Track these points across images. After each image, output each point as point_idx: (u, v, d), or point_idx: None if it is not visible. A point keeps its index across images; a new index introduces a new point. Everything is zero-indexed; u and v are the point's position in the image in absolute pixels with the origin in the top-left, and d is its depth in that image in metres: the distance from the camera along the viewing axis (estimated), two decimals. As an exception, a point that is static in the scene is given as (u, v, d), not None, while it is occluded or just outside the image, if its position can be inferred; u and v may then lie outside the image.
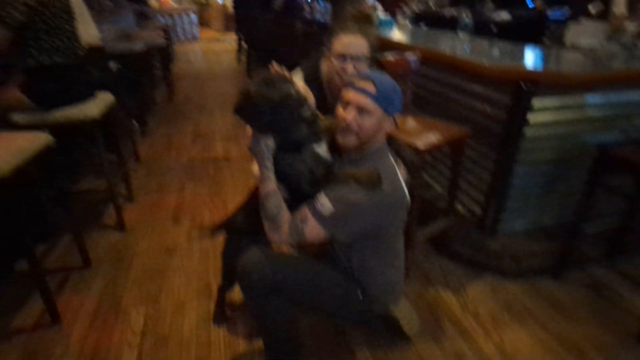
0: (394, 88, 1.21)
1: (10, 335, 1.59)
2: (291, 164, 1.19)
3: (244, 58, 6.86)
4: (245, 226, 1.41)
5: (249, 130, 1.18)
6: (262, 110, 1.09)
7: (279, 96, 1.09)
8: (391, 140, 1.34)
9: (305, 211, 1.15)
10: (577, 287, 1.85)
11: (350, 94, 1.19)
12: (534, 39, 2.73)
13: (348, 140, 1.21)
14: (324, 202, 1.13)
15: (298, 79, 1.53)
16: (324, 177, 1.19)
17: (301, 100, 1.15)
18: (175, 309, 1.73)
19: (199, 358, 1.50)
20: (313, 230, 1.14)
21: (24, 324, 1.65)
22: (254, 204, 1.36)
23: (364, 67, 1.43)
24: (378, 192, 1.14)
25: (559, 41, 2.93)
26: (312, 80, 1.53)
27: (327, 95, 1.54)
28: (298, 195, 1.20)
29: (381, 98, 1.16)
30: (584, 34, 2.41)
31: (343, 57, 1.42)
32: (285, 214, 1.16)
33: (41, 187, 1.89)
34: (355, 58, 1.41)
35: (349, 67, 1.41)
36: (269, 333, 1.34)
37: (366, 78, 1.18)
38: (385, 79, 1.21)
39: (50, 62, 1.78)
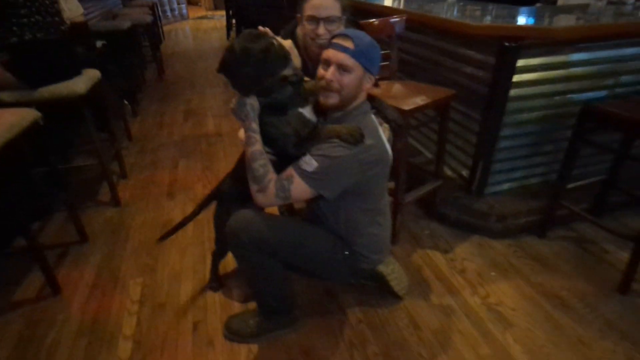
0: (373, 44, 1.22)
1: (14, 306, 1.65)
2: (277, 126, 1.21)
3: (233, 34, 6.74)
4: (234, 192, 1.44)
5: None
6: (245, 64, 1.09)
7: (261, 48, 1.09)
8: (374, 100, 1.36)
9: (290, 170, 1.18)
10: (561, 244, 1.90)
11: (329, 53, 1.20)
12: (527, 2, 2.69)
13: (330, 99, 1.22)
14: (309, 160, 1.16)
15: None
16: (309, 138, 1.21)
17: (286, 57, 1.16)
18: (172, 278, 1.78)
19: (196, 321, 1.56)
20: (298, 187, 1.17)
21: (26, 296, 1.70)
22: (241, 170, 1.39)
23: (337, 29, 1.43)
24: (360, 147, 1.17)
25: (552, 3, 2.90)
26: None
27: (306, 61, 1.54)
28: (284, 157, 1.23)
29: (360, 54, 1.18)
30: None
31: (314, 19, 1.41)
32: (271, 175, 1.18)
33: (33, 164, 1.91)
34: (326, 20, 1.41)
35: (321, 30, 1.41)
36: (261, 291, 1.40)
37: (344, 35, 1.19)
38: (364, 35, 1.22)
39: (31, 38, 1.76)
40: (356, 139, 1.16)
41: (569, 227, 2.00)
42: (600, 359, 1.36)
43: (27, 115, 1.62)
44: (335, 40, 1.20)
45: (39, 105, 1.91)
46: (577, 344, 1.41)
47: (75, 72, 2.07)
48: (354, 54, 1.17)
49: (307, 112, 1.24)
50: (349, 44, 1.18)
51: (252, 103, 1.16)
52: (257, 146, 1.18)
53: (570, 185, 1.85)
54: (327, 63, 1.21)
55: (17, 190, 1.78)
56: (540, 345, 1.41)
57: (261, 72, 1.11)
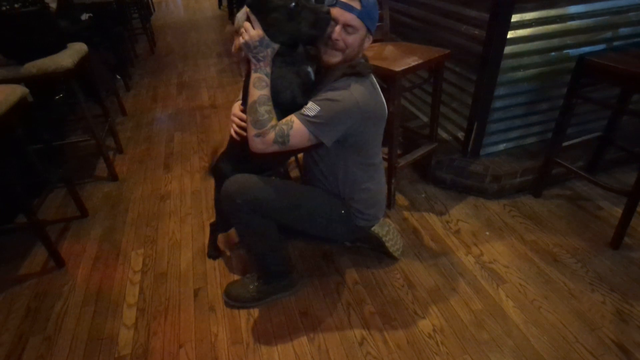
0: (375, 3, 1.22)
1: (21, 280, 1.70)
2: (286, 78, 1.20)
3: (225, 2, 6.52)
4: (230, 171, 1.45)
5: (249, 28, 1.13)
6: (293, 12, 1.11)
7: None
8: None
9: (291, 116, 1.18)
10: (556, 202, 1.91)
11: (336, 11, 1.18)
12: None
13: (333, 58, 1.23)
14: (310, 105, 1.17)
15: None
16: (310, 92, 1.23)
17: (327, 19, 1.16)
18: (172, 248, 1.82)
19: (197, 288, 1.61)
20: (298, 132, 1.16)
21: (31, 270, 1.75)
22: (235, 149, 1.39)
23: None
24: (362, 94, 1.18)
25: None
26: None
27: None
28: (287, 110, 1.22)
29: (366, 14, 1.18)
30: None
31: None
32: (274, 122, 1.17)
33: (27, 141, 1.91)
34: None
35: None
36: (259, 254, 1.43)
37: None
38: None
39: (9, 9, 1.72)
40: (369, 68, 1.21)
41: (565, 186, 2.00)
42: (589, 311, 1.40)
43: (13, 92, 1.60)
44: None
45: (27, 81, 1.90)
46: (567, 297, 1.45)
47: (60, 45, 2.03)
48: (360, 15, 1.17)
49: (311, 69, 1.27)
50: (356, 4, 1.17)
51: (274, 46, 1.15)
52: (267, 91, 1.17)
53: (566, 143, 1.84)
54: (335, 21, 1.19)
55: (13, 168, 1.79)
56: (531, 300, 1.45)
57: (297, 27, 1.13)
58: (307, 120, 1.16)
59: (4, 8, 1.71)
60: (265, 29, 1.12)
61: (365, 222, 1.45)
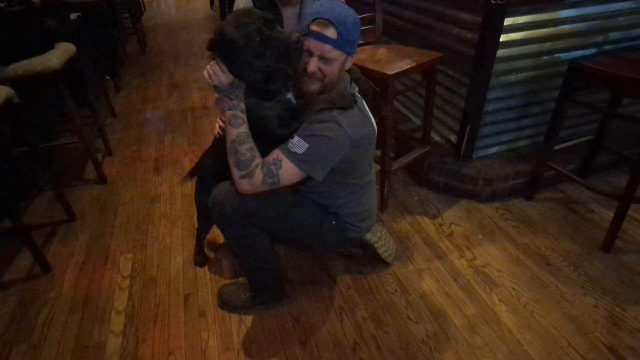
0: (355, 24, 1.14)
1: (5, 286, 1.65)
2: (259, 110, 1.15)
3: (217, 2, 6.48)
4: (213, 169, 1.42)
5: (218, 72, 1.07)
6: (254, 53, 1.04)
7: (272, 37, 1.04)
8: (350, 71, 1.31)
9: (277, 153, 1.12)
10: (548, 205, 1.92)
11: (311, 43, 1.11)
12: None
13: (312, 86, 1.17)
14: (297, 142, 1.10)
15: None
16: (295, 118, 1.17)
17: (290, 50, 1.07)
18: (162, 253, 1.79)
19: (187, 294, 1.58)
20: (287, 171, 1.11)
21: (16, 276, 1.70)
22: (219, 147, 1.36)
23: None
24: (349, 123, 1.13)
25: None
26: None
27: (276, 3, 1.55)
28: (265, 141, 1.16)
29: (343, 42, 1.11)
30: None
31: None
32: (258, 159, 1.11)
33: (12, 143, 1.86)
34: None
35: None
36: (250, 267, 1.40)
37: (327, 22, 1.09)
38: (347, 15, 1.12)
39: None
40: (351, 101, 1.14)
41: (557, 189, 2.01)
42: (582, 314, 1.40)
43: (0, 93, 1.56)
44: (315, 28, 1.11)
45: (13, 82, 1.85)
46: (560, 301, 1.45)
47: (48, 46, 1.98)
48: (337, 44, 1.10)
49: (291, 95, 1.20)
50: (331, 33, 1.09)
51: (241, 83, 1.10)
52: (244, 128, 1.11)
53: (557, 147, 1.85)
54: (309, 53, 1.12)
55: (-2, 170, 1.75)
56: (524, 304, 1.45)
57: (267, 63, 1.05)
58: (296, 159, 1.10)
59: (-13, 6, 1.67)
60: (234, 71, 1.07)
61: (356, 233, 1.43)
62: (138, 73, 4.11)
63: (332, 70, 1.14)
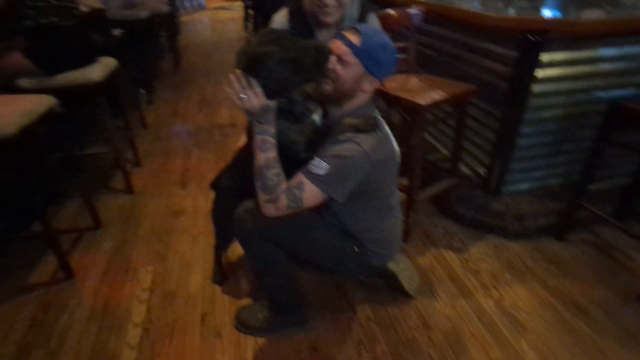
0: (384, 46, 1.15)
1: (28, 289, 1.68)
2: (288, 134, 1.15)
3: (251, 25, 6.71)
4: (232, 187, 1.43)
5: (251, 95, 1.04)
6: (283, 67, 1.04)
7: (304, 52, 1.05)
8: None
9: (299, 177, 1.11)
10: (581, 247, 1.84)
11: (334, 43, 1.15)
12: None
13: (324, 85, 1.17)
14: (318, 164, 1.10)
15: (281, 16, 1.56)
16: (317, 144, 1.17)
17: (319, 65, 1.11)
18: (182, 267, 1.79)
19: (204, 313, 1.56)
20: (310, 194, 1.11)
21: (40, 279, 1.73)
22: (240, 165, 1.37)
23: (346, 2, 1.41)
24: (371, 144, 1.12)
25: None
26: (296, 11, 1.53)
27: (311, 26, 1.53)
28: (289, 165, 1.16)
29: (364, 52, 1.12)
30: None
31: None
32: (284, 185, 1.11)
33: (49, 150, 1.93)
34: None
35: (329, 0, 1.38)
36: (269, 285, 1.38)
37: (355, 30, 1.13)
38: (377, 35, 1.15)
39: (47, 21, 1.77)
40: (373, 125, 1.13)
41: (590, 231, 1.93)
42: (619, 369, 1.31)
43: (43, 102, 1.63)
44: (342, 32, 1.15)
45: (56, 92, 1.93)
46: (594, 353, 1.36)
47: (92, 59, 2.08)
48: (357, 52, 1.11)
49: (317, 117, 1.22)
50: (355, 40, 1.11)
51: (272, 106, 1.10)
52: (273, 153, 1.11)
53: (592, 187, 1.78)
54: (331, 52, 1.15)
55: (33, 175, 1.81)
56: (555, 353, 1.36)
57: (298, 78, 1.07)
58: (317, 180, 1.10)
59: (43, 21, 1.76)
60: (268, 92, 1.05)
61: (379, 261, 1.39)
62: (170, 88, 4.25)
63: (345, 74, 1.13)
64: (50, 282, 1.72)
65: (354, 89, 1.17)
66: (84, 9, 2.08)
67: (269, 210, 1.12)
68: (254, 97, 1.05)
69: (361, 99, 1.20)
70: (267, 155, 1.10)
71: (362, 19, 1.56)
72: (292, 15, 1.54)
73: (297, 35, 1.08)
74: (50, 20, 1.78)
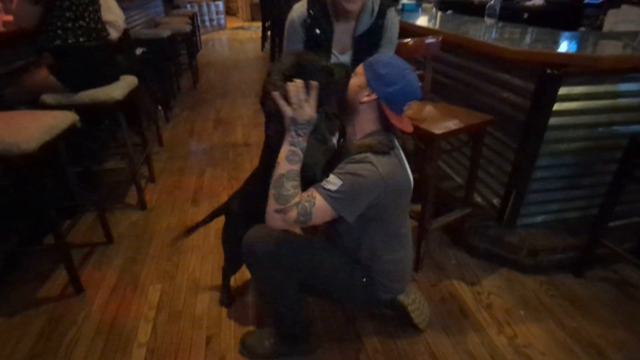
0: (388, 64, 1.17)
1: (38, 303, 1.69)
2: (312, 153, 1.16)
3: (268, 46, 6.87)
4: (242, 212, 1.43)
5: (305, 106, 1.06)
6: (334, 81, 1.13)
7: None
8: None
9: (311, 191, 1.12)
10: (600, 285, 1.77)
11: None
12: (570, 26, 2.60)
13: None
14: (332, 179, 1.11)
15: (300, 5, 1.58)
16: (333, 166, 1.18)
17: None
18: (190, 287, 1.78)
19: (210, 335, 1.54)
20: (320, 208, 1.10)
21: (50, 293, 1.74)
22: (251, 190, 1.38)
23: None
24: (385, 168, 1.13)
25: (597, 28, 2.77)
26: (316, 1, 1.55)
27: (330, 16, 1.55)
28: (303, 185, 1.16)
29: (368, 63, 1.18)
30: (624, 20, 2.26)
31: None
32: (297, 198, 1.11)
33: (67, 164, 1.98)
34: None
35: None
36: (276, 311, 1.36)
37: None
38: (387, 56, 1.22)
39: (75, 42, 1.84)
40: (388, 147, 1.14)
41: (610, 268, 1.86)
42: (641, 420, 1.24)
43: (66, 118, 1.68)
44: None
45: (78, 108, 1.99)
46: (614, 400, 1.30)
47: (114, 78, 2.14)
48: (365, 63, 1.20)
49: (335, 139, 1.23)
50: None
51: (315, 120, 1.11)
52: (298, 166, 1.12)
53: (612, 224, 1.73)
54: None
55: (51, 189, 1.84)
56: (572, 397, 1.30)
57: (328, 90, 1.12)
58: (328, 195, 1.10)
59: (70, 41, 1.83)
60: (321, 104, 1.10)
61: (388, 295, 1.37)
62: (188, 106, 4.34)
63: (351, 82, 1.20)
64: (60, 296, 1.73)
65: (354, 100, 1.19)
66: (114, 33, 2.15)
67: (276, 221, 1.10)
68: (309, 109, 1.07)
69: (366, 117, 1.20)
70: (292, 167, 1.10)
71: (381, 13, 1.57)
72: (311, 4, 1.55)
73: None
74: (78, 40, 1.85)
